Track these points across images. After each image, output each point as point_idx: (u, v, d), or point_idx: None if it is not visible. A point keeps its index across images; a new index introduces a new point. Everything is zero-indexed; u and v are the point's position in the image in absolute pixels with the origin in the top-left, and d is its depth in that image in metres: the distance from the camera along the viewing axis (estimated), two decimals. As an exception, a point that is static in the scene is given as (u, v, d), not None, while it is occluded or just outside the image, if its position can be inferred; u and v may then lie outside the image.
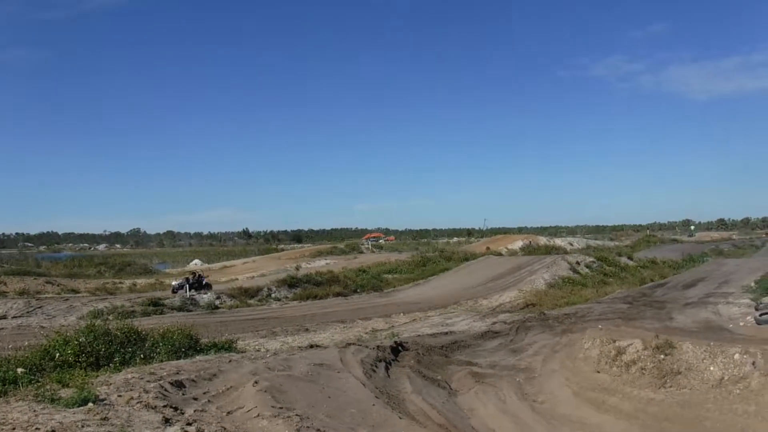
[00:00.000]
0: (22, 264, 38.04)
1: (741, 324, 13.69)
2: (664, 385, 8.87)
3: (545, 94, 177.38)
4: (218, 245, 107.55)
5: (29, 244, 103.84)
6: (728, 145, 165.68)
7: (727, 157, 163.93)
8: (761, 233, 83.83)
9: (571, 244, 57.87)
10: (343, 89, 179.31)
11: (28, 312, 18.82)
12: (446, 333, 14.11)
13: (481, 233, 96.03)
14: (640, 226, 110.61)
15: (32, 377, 6.93)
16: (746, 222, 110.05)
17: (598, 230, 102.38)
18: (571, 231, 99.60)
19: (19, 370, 7.26)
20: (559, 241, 60.05)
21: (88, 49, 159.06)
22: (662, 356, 9.35)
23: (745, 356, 8.61)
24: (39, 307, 19.41)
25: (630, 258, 37.09)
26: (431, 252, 44.88)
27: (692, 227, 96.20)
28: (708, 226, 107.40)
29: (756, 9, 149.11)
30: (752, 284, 19.92)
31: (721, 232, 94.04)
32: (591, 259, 32.98)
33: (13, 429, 4.70)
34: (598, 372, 9.82)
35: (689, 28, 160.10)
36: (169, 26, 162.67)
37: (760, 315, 13.38)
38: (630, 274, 29.91)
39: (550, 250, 48.05)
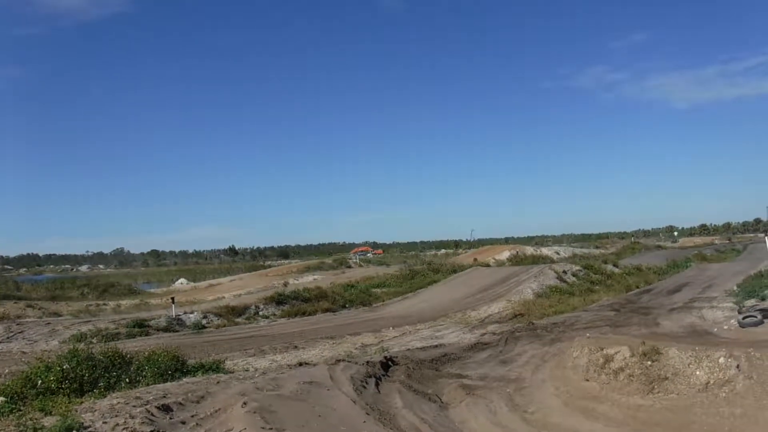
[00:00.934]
0: (1, 288, 37.13)
1: (725, 327, 13.89)
2: (652, 391, 8.96)
3: (530, 105, 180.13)
4: (204, 263, 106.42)
5: (9, 267, 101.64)
6: (709, 151, 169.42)
7: (707, 163, 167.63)
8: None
9: (558, 253, 58.33)
10: (327, 102, 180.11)
11: (8, 337, 18.35)
12: (436, 346, 14.09)
13: (469, 244, 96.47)
14: (625, 233, 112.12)
15: (13, 406, 6.76)
16: (727, 227, 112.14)
17: (583, 238, 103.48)
18: (557, 240, 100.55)
19: (0, 398, 7.08)
20: (545, 251, 60.49)
21: (67, 66, 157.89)
22: (649, 362, 9.44)
23: (729, 360, 8.74)
24: (20, 332, 18.94)
25: (615, 265, 37.46)
26: (419, 265, 44.88)
27: (675, 233, 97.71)
28: (691, 232, 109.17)
29: (733, 20, 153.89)
30: (735, 288, 20.24)
31: (703, 237, 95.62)
32: (577, 267, 33.25)
33: (-6, 460, 4.58)
34: (587, 380, 9.88)
35: (669, 37, 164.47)
36: (149, 42, 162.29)
37: (744, 318, 13.60)
38: (616, 282, 30.18)
39: (537, 260, 48.37)
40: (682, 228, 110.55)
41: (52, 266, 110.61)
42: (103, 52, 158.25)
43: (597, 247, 72.97)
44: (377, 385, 9.69)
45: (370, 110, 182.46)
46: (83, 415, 6.08)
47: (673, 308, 17.91)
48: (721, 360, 8.80)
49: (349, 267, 55.48)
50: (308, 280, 41.17)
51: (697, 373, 8.84)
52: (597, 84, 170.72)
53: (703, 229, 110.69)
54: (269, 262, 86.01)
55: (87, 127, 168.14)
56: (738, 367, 8.56)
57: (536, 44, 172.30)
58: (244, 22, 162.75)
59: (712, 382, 8.58)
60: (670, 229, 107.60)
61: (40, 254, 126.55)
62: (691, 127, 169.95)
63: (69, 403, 6.79)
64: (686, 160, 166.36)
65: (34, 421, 5.80)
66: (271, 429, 6.22)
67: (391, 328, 19.39)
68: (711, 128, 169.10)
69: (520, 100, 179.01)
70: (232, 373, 10.05)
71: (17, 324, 20.67)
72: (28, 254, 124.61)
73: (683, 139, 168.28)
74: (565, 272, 31.11)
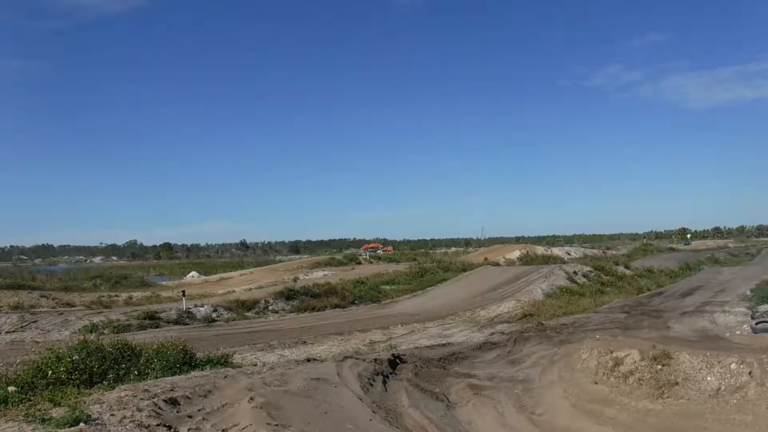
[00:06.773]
0: (17, 277, 37.67)
1: (737, 333, 13.68)
2: (662, 396, 8.84)
3: (544, 104, 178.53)
4: (216, 257, 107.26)
5: (24, 257, 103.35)
6: (724, 153, 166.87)
7: (723, 165, 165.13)
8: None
9: (569, 254, 57.90)
10: (340, 98, 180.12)
11: (21, 327, 18.65)
12: (444, 344, 14.06)
13: (479, 243, 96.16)
14: (637, 234, 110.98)
15: (24, 396, 6.84)
16: (741, 230, 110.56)
17: (595, 239, 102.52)
18: (569, 240, 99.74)
19: (11, 388, 7.18)
20: (556, 251, 60.06)
21: (85, 61, 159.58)
22: (659, 367, 9.32)
23: (741, 366, 8.60)
24: (33, 322, 19.23)
25: (627, 267, 37.12)
26: (429, 262, 44.79)
27: (689, 236, 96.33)
28: (704, 234, 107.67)
29: (753, 20, 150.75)
30: (748, 292, 19.94)
31: (717, 240, 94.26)
32: (588, 268, 33.00)
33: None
34: (596, 383, 9.78)
35: (687, 38, 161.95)
36: (165, 37, 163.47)
37: (757, 324, 13.38)
38: (627, 284, 29.91)
39: (547, 260, 48.06)
40: (696, 230, 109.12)
41: (66, 257, 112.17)
42: (117, 46, 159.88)
43: (608, 248, 72.24)
44: (384, 383, 9.68)
45: (384, 107, 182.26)
46: (91, 407, 6.13)
47: (684, 312, 17.68)
48: (733, 366, 8.66)
49: (359, 263, 55.51)
50: (318, 275, 41.31)
51: (708, 378, 8.71)
52: (612, 83, 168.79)
53: (717, 232, 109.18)
54: (280, 257, 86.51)
55: (104, 121, 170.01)
56: (750, 373, 8.41)
57: (551, 42, 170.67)
58: (257, 16, 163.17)
59: (723, 388, 8.45)
60: (683, 231, 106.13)
61: (55, 245, 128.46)
62: (707, 129, 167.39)
63: (78, 394, 6.85)
64: (701, 162, 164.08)
65: (43, 411, 5.86)
66: (277, 425, 6.24)
67: (399, 325, 19.39)
68: (727, 130, 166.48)
69: (534, 99, 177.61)
70: (240, 367, 10.11)
71: (31, 313, 20.99)
72: (44, 245, 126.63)
73: (698, 140, 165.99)
74: (575, 273, 30.88)
